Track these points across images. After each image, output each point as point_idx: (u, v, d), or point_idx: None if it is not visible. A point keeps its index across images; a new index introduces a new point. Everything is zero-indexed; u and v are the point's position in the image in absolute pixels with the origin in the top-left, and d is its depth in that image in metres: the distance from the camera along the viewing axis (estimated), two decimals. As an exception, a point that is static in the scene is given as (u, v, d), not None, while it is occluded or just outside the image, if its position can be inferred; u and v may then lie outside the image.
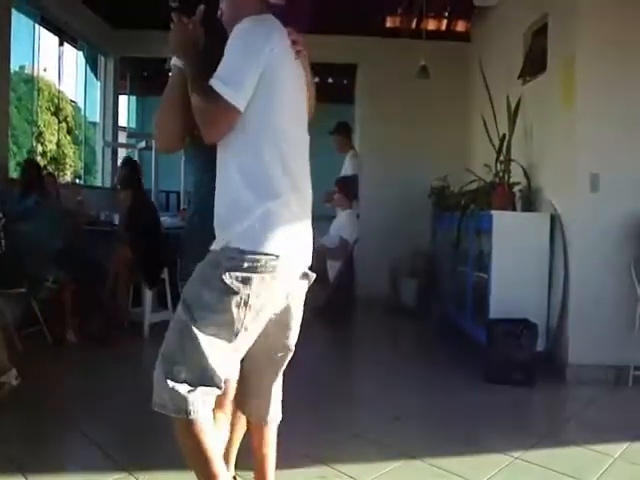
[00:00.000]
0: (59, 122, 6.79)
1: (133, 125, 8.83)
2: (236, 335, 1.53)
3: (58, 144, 6.74)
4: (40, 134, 6.46)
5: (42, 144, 6.56)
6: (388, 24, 6.74)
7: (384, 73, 6.60)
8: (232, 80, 1.50)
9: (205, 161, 1.73)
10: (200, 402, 1.50)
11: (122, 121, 7.75)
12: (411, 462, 2.46)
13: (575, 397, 3.47)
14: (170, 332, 1.56)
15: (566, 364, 3.72)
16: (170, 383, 1.49)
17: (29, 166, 4.57)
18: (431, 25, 6.61)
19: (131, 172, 5.00)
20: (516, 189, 4.38)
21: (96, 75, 6.88)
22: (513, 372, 3.61)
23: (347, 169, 6.44)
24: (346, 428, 2.76)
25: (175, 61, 1.63)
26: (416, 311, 6.06)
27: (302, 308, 1.74)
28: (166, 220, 5.33)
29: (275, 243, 1.53)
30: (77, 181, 6.79)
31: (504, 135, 4.40)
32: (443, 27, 6.71)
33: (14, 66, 5.23)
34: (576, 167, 3.77)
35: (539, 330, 3.73)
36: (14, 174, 5.12)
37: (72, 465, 2.41)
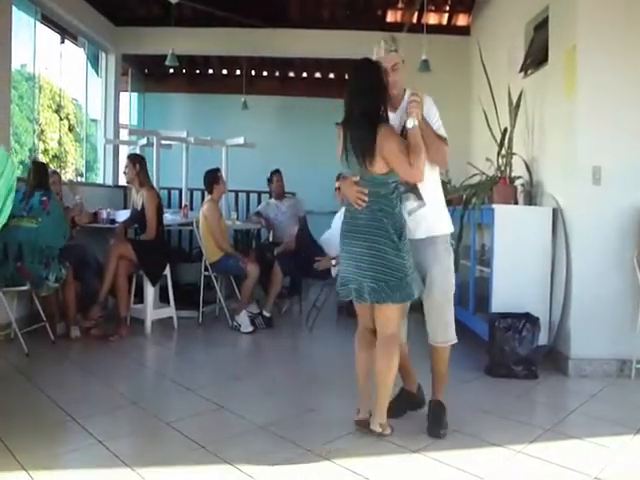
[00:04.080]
0: (60, 120, 6.78)
1: (135, 122, 8.82)
2: None
3: (60, 142, 6.74)
4: (42, 132, 6.45)
5: (44, 142, 6.56)
6: (389, 18, 6.74)
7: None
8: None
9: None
10: None
11: (124, 118, 7.75)
12: (413, 456, 2.47)
13: (577, 390, 3.46)
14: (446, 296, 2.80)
15: (568, 357, 3.72)
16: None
17: (37, 167, 4.32)
18: (432, 19, 6.61)
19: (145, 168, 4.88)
20: (518, 183, 4.37)
21: (97, 72, 6.88)
22: (515, 366, 3.62)
23: None
24: (346, 423, 2.74)
25: (415, 122, 2.48)
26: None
27: None
28: (167, 217, 5.32)
29: None
30: (78, 179, 6.78)
31: (505, 129, 4.38)
32: (444, 21, 6.70)
33: (15, 64, 5.21)
34: (578, 160, 3.75)
35: (541, 324, 3.73)
36: (17, 172, 5.09)
37: (75, 461, 2.41)
